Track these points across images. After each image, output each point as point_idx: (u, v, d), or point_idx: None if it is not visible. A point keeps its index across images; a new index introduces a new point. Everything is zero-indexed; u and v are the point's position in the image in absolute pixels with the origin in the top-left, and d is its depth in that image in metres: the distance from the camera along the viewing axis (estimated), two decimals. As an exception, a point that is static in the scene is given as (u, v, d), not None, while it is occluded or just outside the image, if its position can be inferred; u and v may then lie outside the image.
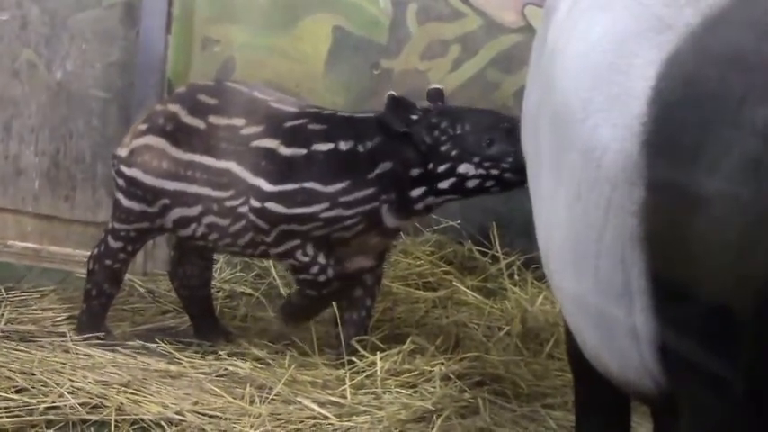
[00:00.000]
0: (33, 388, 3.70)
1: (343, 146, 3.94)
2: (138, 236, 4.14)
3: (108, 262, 4.14)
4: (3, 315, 4.29)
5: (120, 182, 4.10)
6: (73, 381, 3.75)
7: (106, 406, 3.63)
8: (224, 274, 4.64)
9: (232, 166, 3.96)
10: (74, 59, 4.89)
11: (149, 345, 4.13)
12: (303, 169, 3.93)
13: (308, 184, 3.92)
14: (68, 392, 3.68)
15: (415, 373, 3.93)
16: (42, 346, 4.05)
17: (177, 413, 3.64)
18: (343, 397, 3.79)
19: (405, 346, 4.02)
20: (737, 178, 2.02)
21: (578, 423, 3.03)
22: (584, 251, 2.36)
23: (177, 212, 4.02)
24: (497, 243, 4.70)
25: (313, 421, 3.66)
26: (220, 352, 4.09)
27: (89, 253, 4.22)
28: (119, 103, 4.87)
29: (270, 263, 4.60)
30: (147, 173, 4.05)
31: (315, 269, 3.96)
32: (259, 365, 3.99)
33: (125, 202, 4.09)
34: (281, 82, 4.72)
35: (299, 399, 3.76)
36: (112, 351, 4.04)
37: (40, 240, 4.96)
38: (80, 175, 4.93)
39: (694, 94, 2.15)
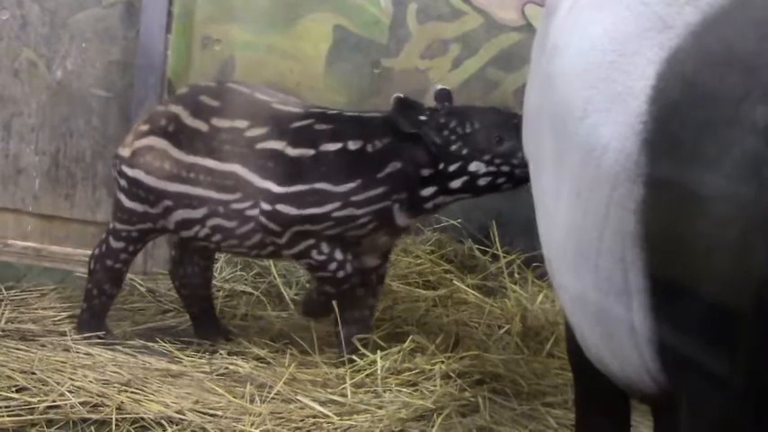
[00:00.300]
0: (34, 387, 3.70)
1: (352, 145, 3.94)
2: (140, 236, 4.14)
3: (109, 262, 4.14)
4: (3, 314, 4.29)
5: (122, 182, 4.09)
6: (73, 380, 3.75)
7: (107, 405, 3.63)
8: (224, 273, 4.65)
9: (237, 168, 3.95)
10: (74, 59, 4.89)
11: (150, 344, 4.13)
12: (312, 170, 3.92)
13: (318, 185, 3.91)
14: (69, 391, 3.68)
15: (416, 371, 3.93)
16: (43, 346, 4.05)
17: (178, 412, 3.64)
18: (344, 396, 3.79)
19: (405, 345, 4.02)
20: (737, 177, 2.02)
21: (578, 421, 3.03)
22: (584, 250, 2.36)
23: (180, 214, 4.02)
24: (497, 242, 4.71)
25: (313, 420, 3.66)
26: (221, 351, 4.10)
27: (89, 252, 4.22)
28: (119, 102, 4.87)
29: (270, 262, 4.60)
30: (149, 174, 4.04)
31: (333, 266, 3.95)
32: (259, 364, 3.99)
33: (127, 202, 4.09)
34: (281, 81, 4.73)
35: (299, 397, 3.76)
36: (113, 350, 4.04)
37: (41, 239, 4.96)
38: (80, 175, 4.93)
39: (694, 92, 2.15)
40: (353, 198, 3.90)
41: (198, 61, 4.85)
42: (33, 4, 4.89)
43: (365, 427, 3.62)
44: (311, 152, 3.94)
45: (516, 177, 3.88)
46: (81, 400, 3.65)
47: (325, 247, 3.94)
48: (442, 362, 3.96)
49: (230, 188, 3.95)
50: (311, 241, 3.94)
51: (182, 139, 4.02)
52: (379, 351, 3.98)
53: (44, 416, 3.59)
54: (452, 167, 3.90)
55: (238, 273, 4.67)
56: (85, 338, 4.08)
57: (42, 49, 4.90)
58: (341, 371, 3.93)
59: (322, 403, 3.74)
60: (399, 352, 3.99)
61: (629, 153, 2.23)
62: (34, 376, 3.76)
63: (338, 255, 3.95)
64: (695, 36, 2.21)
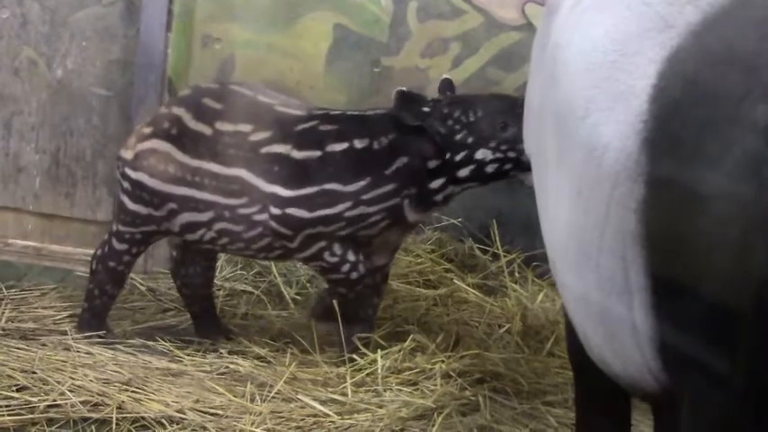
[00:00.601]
0: (34, 386, 3.70)
1: (359, 144, 3.94)
2: (144, 238, 4.13)
3: (112, 264, 4.13)
4: (3, 313, 4.29)
5: (126, 185, 4.08)
6: (74, 379, 3.75)
7: (107, 404, 3.63)
8: (224, 272, 4.64)
9: (242, 173, 3.94)
10: (74, 57, 4.89)
11: (150, 343, 4.13)
12: (320, 171, 3.92)
13: (327, 186, 3.91)
14: (69, 391, 3.68)
15: (416, 370, 3.93)
16: (43, 345, 4.05)
17: (178, 411, 3.64)
18: (344, 395, 3.79)
19: (405, 344, 4.02)
20: (738, 176, 2.02)
21: (579, 420, 3.03)
22: (585, 248, 2.36)
23: (185, 217, 4.01)
24: (498, 241, 4.71)
25: (314, 419, 3.66)
26: (221, 350, 4.10)
27: (90, 251, 4.22)
28: (119, 100, 4.87)
29: (270, 261, 4.59)
30: (153, 177, 4.03)
31: (345, 267, 3.95)
32: (260, 363, 3.99)
33: (131, 205, 4.08)
34: (281, 80, 4.73)
35: (299, 397, 3.76)
36: (113, 349, 4.04)
37: (41, 238, 4.96)
38: (80, 173, 4.93)
39: (695, 92, 2.15)
40: (364, 197, 3.90)
41: (198, 60, 4.84)
42: (33, 3, 4.89)
43: (366, 426, 3.62)
44: (318, 153, 3.94)
45: (523, 163, 3.85)
46: (81, 399, 3.65)
47: (337, 249, 3.94)
48: (443, 361, 3.97)
49: (236, 193, 3.94)
50: (323, 243, 3.93)
51: (185, 142, 4.01)
52: (379, 350, 3.98)
53: (45, 415, 3.59)
54: (459, 157, 3.90)
55: (239, 272, 4.66)
56: (86, 337, 4.08)
57: (42, 47, 4.90)
58: (341, 370, 3.93)
59: (322, 402, 3.74)
60: (400, 351, 3.99)
61: (630, 152, 2.23)
62: (35, 375, 3.76)
63: (351, 256, 3.94)
64: (696, 35, 2.21)
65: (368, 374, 3.90)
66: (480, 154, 3.89)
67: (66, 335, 4.11)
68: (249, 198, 3.93)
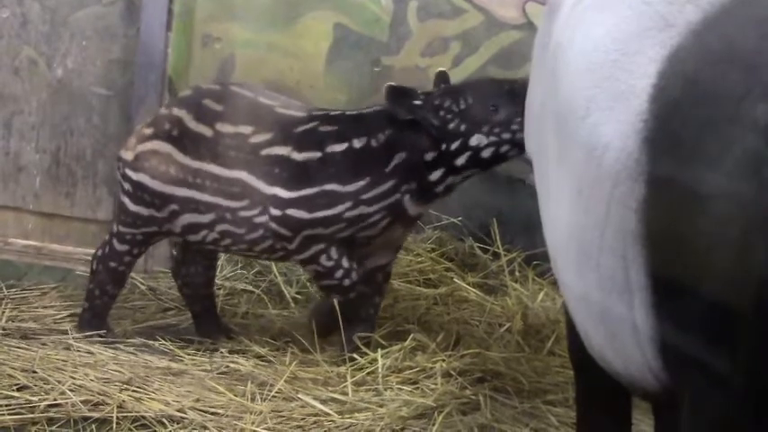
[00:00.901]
0: (35, 386, 3.70)
1: (357, 143, 3.94)
2: (145, 239, 4.13)
3: (113, 264, 4.13)
4: (4, 313, 4.29)
5: (127, 186, 4.08)
6: (74, 378, 3.75)
7: (108, 403, 3.63)
8: (225, 271, 4.64)
9: (243, 175, 3.94)
10: (74, 57, 4.89)
11: (151, 342, 4.13)
12: (320, 172, 3.92)
13: (327, 186, 3.91)
14: (70, 390, 3.68)
15: (416, 369, 3.93)
16: (44, 344, 4.05)
17: (178, 410, 3.64)
18: (345, 394, 3.79)
19: (406, 343, 4.02)
20: (738, 175, 2.02)
21: (579, 419, 3.03)
22: (586, 248, 2.36)
23: (187, 218, 4.01)
24: (498, 240, 4.70)
25: (314, 418, 3.66)
26: (222, 349, 4.09)
27: (90, 250, 4.22)
28: (119, 100, 4.87)
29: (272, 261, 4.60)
30: (154, 178, 4.03)
31: (339, 273, 3.96)
32: (260, 363, 3.99)
33: (132, 206, 4.08)
34: (281, 79, 4.73)
35: (300, 396, 3.76)
36: (114, 348, 4.04)
37: (41, 238, 4.96)
38: (81, 173, 4.93)
39: (695, 91, 2.15)
40: (364, 196, 3.91)
41: (198, 59, 4.84)
42: (34, 3, 4.89)
43: (366, 425, 3.62)
44: (318, 155, 3.94)
45: (519, 143, 3.82)
46: (82, 398, 3.65)
47: (333, 253, 3.94)
48: (443, 360, 3.97)
49: (237, 195, 3.94)
50: (321, 246, 3.93)
51: (186, 143, 4.01)
52: (379, 349, 3.98)
53: (45, 414, 3.59)
54: (454, 146, 3.90)
55: (239, 271, 4.66)
56: (86, 337, 4.08)
57: (43, 47, 4.90)
58: (342, 369, 3.93)
59: (323, 401, 3.74)
60: (400, 350, 3.99)
61: (631, 151, 2.23)
62: (35, 375, 3.76)
63: (345, 262, 3.95)
64: (696, 34, 2.21)
65: (368, 373, 3.90)
66: (475, 140, 3.89)
67: (67, 334, 4.11)
68: (250, 200, 3.93)
